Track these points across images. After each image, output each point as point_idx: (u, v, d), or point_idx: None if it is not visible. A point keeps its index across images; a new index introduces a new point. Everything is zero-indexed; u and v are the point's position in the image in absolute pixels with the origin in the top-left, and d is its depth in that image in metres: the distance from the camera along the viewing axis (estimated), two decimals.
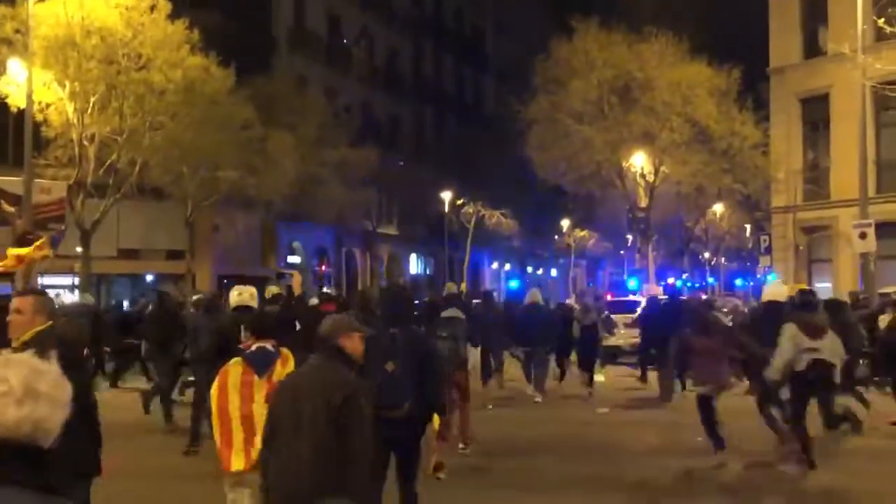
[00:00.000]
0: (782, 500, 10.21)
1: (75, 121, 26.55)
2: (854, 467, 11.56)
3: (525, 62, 46.94)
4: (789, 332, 10.97)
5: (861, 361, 19.54)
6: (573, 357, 20.63)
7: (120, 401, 17.16)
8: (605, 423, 15.28)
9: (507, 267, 72.84)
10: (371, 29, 54.58)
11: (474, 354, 17.42)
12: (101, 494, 6.11)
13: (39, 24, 24.89)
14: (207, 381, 8.11)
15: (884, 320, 17.37)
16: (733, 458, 11.80)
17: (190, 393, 15.11)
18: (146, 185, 30.41)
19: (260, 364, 6.79)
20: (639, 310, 23.68)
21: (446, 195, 52.42)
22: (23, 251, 21.30)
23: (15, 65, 25.30)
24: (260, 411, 6.43)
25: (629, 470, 11.62)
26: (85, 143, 27.05)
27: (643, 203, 43.10)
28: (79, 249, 28.44)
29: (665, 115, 39.48)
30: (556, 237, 67.64)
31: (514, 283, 55.30)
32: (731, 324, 18.35)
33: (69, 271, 30.26)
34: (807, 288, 15.76)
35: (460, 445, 12.60)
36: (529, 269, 75.75)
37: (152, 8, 26.95)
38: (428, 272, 62.64)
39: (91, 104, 26.47)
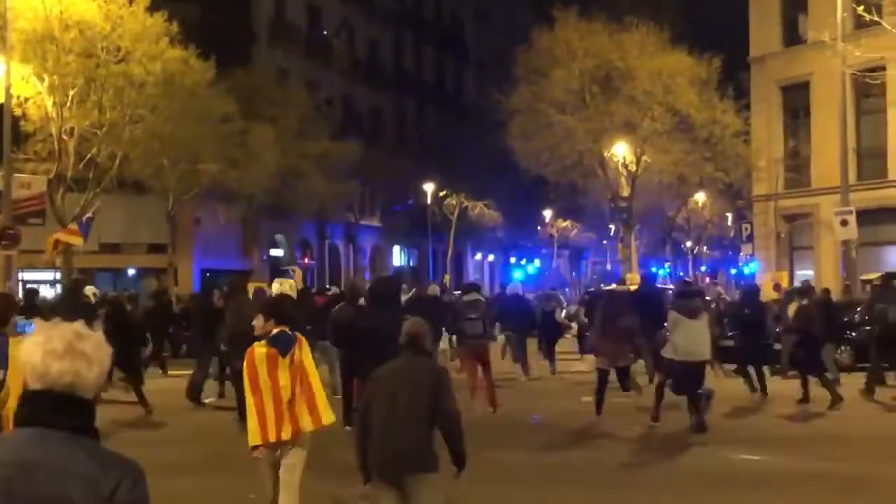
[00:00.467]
0: (761, 485, 10.26)
1: (54, 115, 26.36)
2: (825, 452, 11.63)
3: (506, 52, 46.88)
4: (671, 317, 13.23)
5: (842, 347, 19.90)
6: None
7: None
8: (588, 412, 15.30)
9: (491, 258, 72.92)
10: (351, 21, 54.42)
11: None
12: None
13: (17, 18, 24.67)
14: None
15: (792, 308, 17.81)
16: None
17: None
18: (127, 179, 30.26)
19: (283, 345, 7.34)
20: None
21: (429, 187, 52.39)
22: (54, 237, 21.90)
23: None
24: (286, 388, 7.19)
25: (616, 458, 11.65)
26: (64, 137, 26.87)
27: (625, 192, 43.10)
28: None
29: (646, 104, 39.50)
30: (539, 227, 67.70)
31: (518, 275, 55.89)
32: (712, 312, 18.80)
33: (50, 266, 30.06)
34: (689, 279, 18.41)
35: (489, 409, 15.07)
36: (513, 260, 75.88)
37: (131, 1, 26.77)
38: (411, 264, 62.62)
39: (70, 98, 26.30)
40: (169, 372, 21.25)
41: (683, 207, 53.52)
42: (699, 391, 13.13)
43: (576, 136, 40.70)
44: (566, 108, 40.97)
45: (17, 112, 25.66)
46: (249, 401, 7.40)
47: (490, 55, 63.58)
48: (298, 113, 37.82)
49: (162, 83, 27.53)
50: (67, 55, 25.88)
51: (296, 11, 49.24)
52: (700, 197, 53.46)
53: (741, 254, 48.33)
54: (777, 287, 29.16)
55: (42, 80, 26.02)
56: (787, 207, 35.85)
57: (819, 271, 33.07)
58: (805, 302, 17.14)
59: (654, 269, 56.14)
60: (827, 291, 20.85)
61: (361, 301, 13.30)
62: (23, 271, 31.89)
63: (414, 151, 56.43)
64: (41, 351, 2.67)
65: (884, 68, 27.72)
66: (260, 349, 7.40)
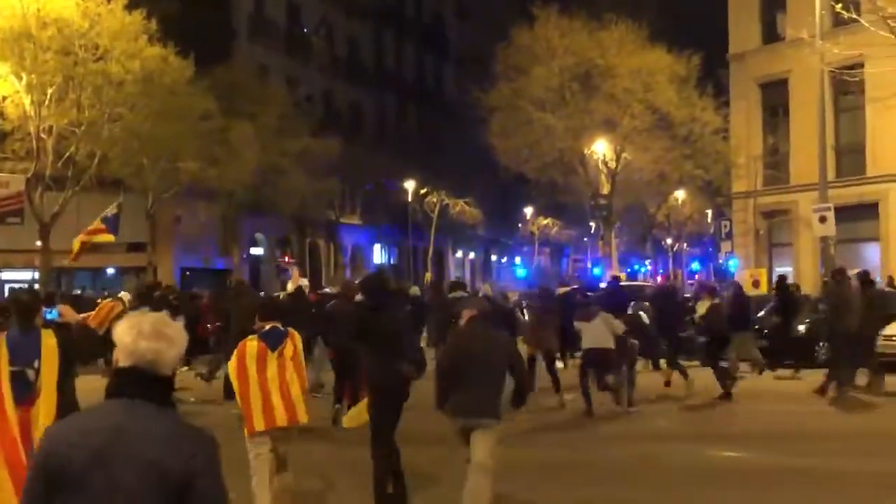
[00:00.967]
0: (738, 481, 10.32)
1: (32, 113, 26.18)
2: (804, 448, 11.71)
3: (486, 49, 46.86)
4: (576, 324, 15.76)
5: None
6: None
7: None
8: (571, 410, 15.37)
9: (472, 256, 72.93)
10: (331, 17, 54.29)
11: None
12: None
13: None
14: None
15: (702, 306, 18.51)
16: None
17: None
18: (106, 178, 30.05)
19: (272, 341, 8.01)
20: None
21: (409, 184, 52.32)
22: (81, 239, 22.25)
23: None
24: (273, 380, 7.84)
25: (597, 456, 11.68)
26: (43, 135, 26.69)
27: (605, 190, 43.14)
28: (38, 243, 28.11)
29: (626, 101, 39.57)
30: (520, 225, 67.78)
31: (521, 272, 56.16)
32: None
33: (29, 266, 29.89)
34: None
35: None
36: (494, 258, 75.94)
37: None
38: (392, 261, 62.59)
39: (48, 96, 26.10)
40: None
41: (663, 205, 53.67)
42: (606, 374, 15.33)
43: (556, 134, 40.76)
44: (546, 106, 41.00)
45: None
46: (238, 390, 7.93)
47: (470, 52, 63.55)
48: (278, 110, 37.69)
49: (141, 81, 27.37)
50: (45, 53, 25.67)
51: (275, 8, 49.12)
52: (680, 194, 53.65)
53: (720, 251, 48.42)
54: (756, 284, 29.36)
55: (20, 78, 25.82)
56: (766, 204, 36.02)
57: (798, 268, 33.25)
58: (715, 301, 18.37)
59: (594, 271, 56.88)
60: (739, 286, 22.78)
61: (358, 297, 13.33)
62: (1, 271, 31.79)
63: (394, 149, 56.38)
64: (134, 332, 3.18)
65: (862, 66, 27.85)
66: (251, 343, 8.00)
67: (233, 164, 32.78)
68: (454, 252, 69.79)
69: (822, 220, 24.21)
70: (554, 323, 17.33)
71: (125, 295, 21.93)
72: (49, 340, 6.78)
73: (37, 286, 27.44)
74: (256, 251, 45.98)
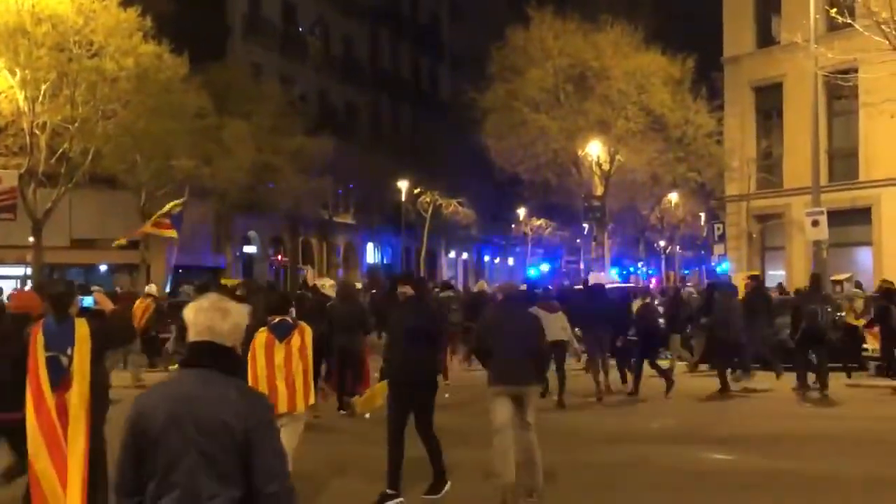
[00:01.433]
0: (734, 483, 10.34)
1: (26, 109, 26.16)
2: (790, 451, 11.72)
3: (481, 50, 46.88)
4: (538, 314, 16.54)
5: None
6: None
7: None
8: (553, 408, 15.43)
9: (465, 256, 72.88)
10: (326, 17, 54.23)
11: None
12: None
13: None
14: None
15: (636, 306, 19.23)
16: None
17: None
18: (99, 174, 30.03)
19: (280, 332, 8.76)
20: None
21: (403, 184, 52.29)
22: (145, 229, 22.55)
23: None
24: (280, 368, 8.55)
25: (586, 459, 11.69)
26: (36, 131, 26.67)
27: (599, 191, 43.21)
28: (31, 239, 28.06)
29: (620, 103, 39.66)
30: (513, 226, 67.75)
31: (532, 272, 56.14)
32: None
33: (21, 261, 29.81)
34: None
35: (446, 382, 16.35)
36: (487, 258, 75.90)
37: None
38: (385, 261, 62.54)
39: (42, 92, 26.08)
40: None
41: (657, 207, 53.75)
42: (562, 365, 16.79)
43: (550, 135, 40.82)
44: (540, 107, 41.07)
45: None
46: (249, 377, 8.45)
47: (466, 53, 63.51)
48: (272, 109, 37.65)
49: (135, 78, 27.35)
50: (39, 49, 25.63)
51: (270, 7, 49.05)
52: (673, 197, 53.70)
53: (713, 254, 48.49)
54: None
55: (14, 74, 25.79)
56: (759, 208, 36.09)
57: (790, 271, 33.33)
58: (647, 300, 19.15)
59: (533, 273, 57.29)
60: (677, 289, 25.57)
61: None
62: None
63: (389, 148, 56.33)
64: (195, 308, 3.76)
65: (856, 70, 27.90)
66: (261, 335, 8.74)
67: (226, 163, 32.75)
68: (447, 252, 69.74)
69: (815, 223, 24.26)
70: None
71: (152, 287, 23.17)
72: (82, 329, 7.20)
73: (29, 282, 27.42)
74: (249, 249, 45.92)
